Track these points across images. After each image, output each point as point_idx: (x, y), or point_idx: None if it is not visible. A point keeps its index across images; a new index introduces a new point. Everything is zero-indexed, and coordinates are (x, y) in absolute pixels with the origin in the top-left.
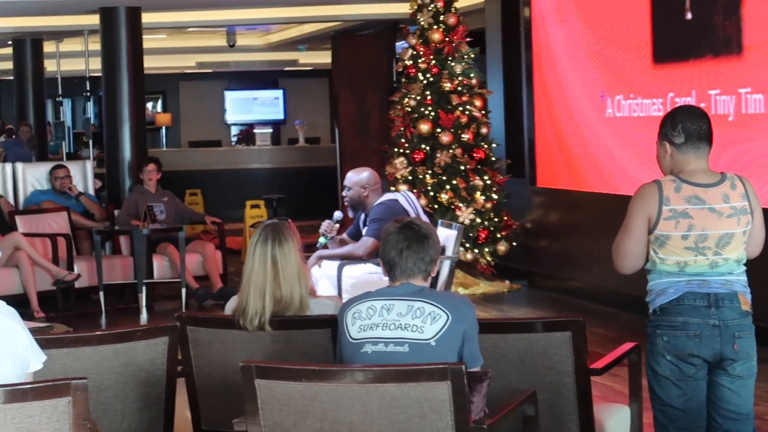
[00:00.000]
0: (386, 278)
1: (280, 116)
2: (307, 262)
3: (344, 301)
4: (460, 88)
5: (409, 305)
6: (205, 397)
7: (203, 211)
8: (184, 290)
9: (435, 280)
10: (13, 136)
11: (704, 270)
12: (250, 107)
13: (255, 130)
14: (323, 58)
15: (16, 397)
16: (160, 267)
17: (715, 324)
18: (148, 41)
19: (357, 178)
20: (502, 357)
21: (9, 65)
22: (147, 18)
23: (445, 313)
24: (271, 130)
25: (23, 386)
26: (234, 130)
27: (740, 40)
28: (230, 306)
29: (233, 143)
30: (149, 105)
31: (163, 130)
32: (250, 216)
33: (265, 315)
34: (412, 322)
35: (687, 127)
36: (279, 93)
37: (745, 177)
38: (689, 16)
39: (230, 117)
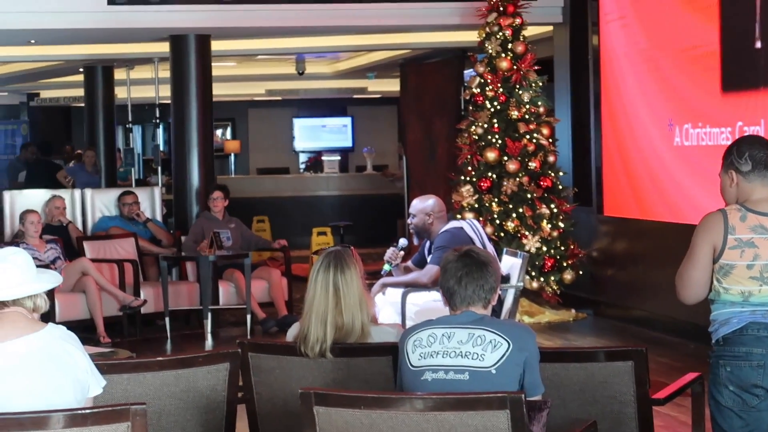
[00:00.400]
0: None
1: (348, 144)
2: (372, 290)
3: (401, 327)
4: (527, 116)
5: (470, 333)
6: (265, 424)
7: (270, 238)
8: (249, 317)
9: (499, 308)
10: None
11: None
12: (318, 135)
13: (323, 158)
14: (392, 85)
15: (76, 421)
16: (226, 293)
17: None
18: (218, 69)
19: (422, 205)
20: (563, 386)
21: (80, 92)
22: (216, 45)
23: (506, 341)
24: (339, 158)
25: (83, 411)
26: (302, 158)
27: None
28: (292, 333)
29: (301, 170)
30: (218, 132)
31: (232, 157)
32: (316, 243)
33: (327, 342)
34: (473, 350)
35: (754, 155)
36: (347, 120)
37: None
38: (759, 44)
39: (298, 144)
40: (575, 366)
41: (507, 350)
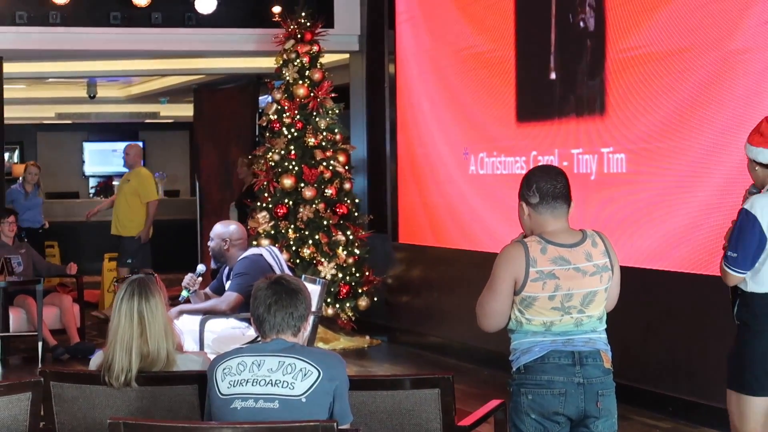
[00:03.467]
0: (249, 333)
1: None
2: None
3: (207, 355)
4: (324, 143)
5: (280, 361)
6: None
7: (59, 263)
8: (40, 344)
9: None
10: None
11: (569, 329)
12: (109, 159)
13: (114, 182)
14: (184, 110)
15: None
16: (17, 320)
17: (580, 382)
18: (7, 91)
19: (221, 230)
20: (370, 414)
21: None
22: (7, 68)
23: (317, 369)
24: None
25: None
26: (92, 182)
27: (603, 101)
28: (95, 361)
29: (91, 195)
30: (6, 155)
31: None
32: (108, 269)
33: (132, 371)
34: (283, 378)
35: (541, 186)
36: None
37: (607, 236)
38: (553, 76)
39: (89, 169)
40: (382, 394)
41: (317, 379)
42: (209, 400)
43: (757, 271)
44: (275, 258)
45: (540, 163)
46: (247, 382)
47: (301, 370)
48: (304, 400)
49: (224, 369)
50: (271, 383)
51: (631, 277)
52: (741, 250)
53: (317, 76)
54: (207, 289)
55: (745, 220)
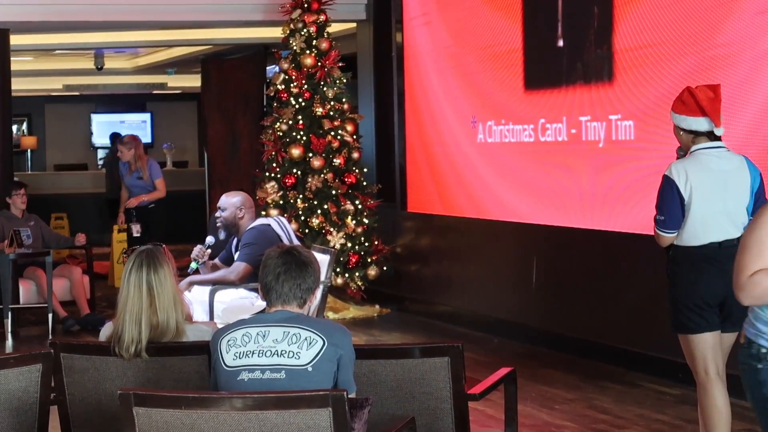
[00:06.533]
0: (258, 303)
1: (148, 139)
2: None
3: (216, 325)
4: (332, 113)
5: (285, 331)
6: (78, 425)
7: (69, 235)
8: (50, 315)
9: None
10: None
11: None
12: (117, 130)
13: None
14: (192, 81)
15: None
16: (27, 292)
17: None
18: (14, 63)
19: (233, 200)
20: (380, 383)
21: None
22: (14, 40)
23: (321, 338)
24: None
25: None
26: (100, 154)
27: (611, 68)
28: (105, 333)
29: (99, 166)
30: (14, 127)
31: (28, 153)
32: (117, 240)
33: (142, 342)
34: (289, 348)
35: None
36: (146, 116)
37: (614, 204)
38: (561, 43)
39: (97, 140)
40: (392, 362)
41: (322, 347)
42: (214, 372)
43: None
44: (283, 228)
45: (548, 130)
46: (253, 353)
47: (306, 339)
48: (310, 369)
49: (229, 341)
50: (277, 354)
51: (639, 244)
52: (667, 213)
53: (324, 45)
54: (216, 260)
55: (665, 184)
